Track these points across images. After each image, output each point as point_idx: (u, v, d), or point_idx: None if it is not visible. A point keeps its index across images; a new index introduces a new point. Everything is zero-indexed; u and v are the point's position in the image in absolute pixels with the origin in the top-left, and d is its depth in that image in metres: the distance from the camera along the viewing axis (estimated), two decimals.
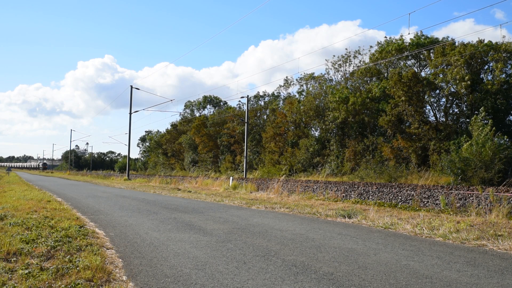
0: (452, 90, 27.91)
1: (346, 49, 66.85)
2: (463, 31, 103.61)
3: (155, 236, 6.87)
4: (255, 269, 4.77)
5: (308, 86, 43.51)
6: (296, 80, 46.91)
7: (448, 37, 31.95)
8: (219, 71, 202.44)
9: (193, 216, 9.66)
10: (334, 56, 48.59)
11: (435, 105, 31.18)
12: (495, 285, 4.26)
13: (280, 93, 50.99)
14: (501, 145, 19.88)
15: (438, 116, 30.94)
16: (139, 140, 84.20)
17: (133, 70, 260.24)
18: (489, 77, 27.87)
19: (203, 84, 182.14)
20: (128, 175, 38.32)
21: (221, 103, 63.84)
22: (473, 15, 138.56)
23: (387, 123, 29.55)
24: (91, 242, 6.05)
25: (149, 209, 11.12)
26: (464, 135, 23.26)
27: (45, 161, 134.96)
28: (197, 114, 64.60)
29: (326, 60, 76.81)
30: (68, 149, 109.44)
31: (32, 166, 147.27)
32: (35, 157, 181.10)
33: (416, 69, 32.69)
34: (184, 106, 66.80)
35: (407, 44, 31.90)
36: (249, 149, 42.48)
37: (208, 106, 65.68)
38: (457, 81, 26.65)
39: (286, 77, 58.57)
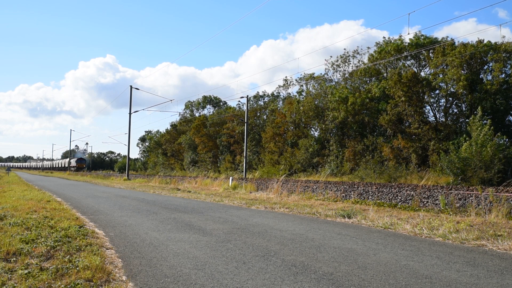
0: (452, 90, 27.92)
1: (344, 49, 66.82)
2: (466, 30, 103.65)
3: (155, 236, 6.87)
4: (254, 269, 4.77)
5: (308, 86, 43.52)
6: (296, 80, 46.93)
7: (448, 37, 31.96)
8: (221, 71, 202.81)
9: (192, 216, 9.66)
10: (331, 56, 48.60)
11: (435, 105, 31.21)
12: (495, 285, 4.26)
13: (280, 93, 51.03)
14: (501, 145, 19.87)
15: (437, 116, 30.96)
16: (139, 140, 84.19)
17: (135, 70, 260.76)
18: (489, 77, 27.87)
19: (205, 84, 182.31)
20: (127, 175, 38.30)
21: (221, 103, 63.88)
22: (475, 14, 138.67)
23: (387, 122, 29.55)
24: (90, 242, 6.05)
25: (148, 209, 11.12)
26: (464, 135, 23.26)
27: (82, 157, 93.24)
28: (197, 114, 64.60)
29: (325, 60, 76.80)
30: (68, 149, 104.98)
31: (54, 166, 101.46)
32: (34, 157, 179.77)
33: (415, 69, 32.69)
34: (184, 106, 66.88)
35: (406, 44, 31.89)
36: (249, 149, 42.47)
37: (207, 106, 65.72)
38: (455, 82, 26.66)
39: (286, 77, 58.53)
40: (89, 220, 8.71)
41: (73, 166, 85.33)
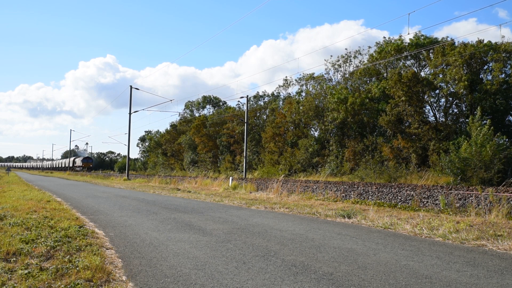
0: (452, 90, 27.92)
1: (346, 49, 66.81)
2: (466, 30, 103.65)
3: (155, 236, 6.87)
4: (254, 269, 4.77)
5: (308, 86, 43.52)
6: (296, 80, 46.92)
7: (448, 37, 31.96)
8: (221, 71, 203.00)
9: (192, 216, 9.66)
10: (331, 56, 48.72)
11: (435, 105, 31.21)
12: (495, 285, 4.26)
13: (280, 93, 51.02)
14: (501, 145, 19.86)
15: (437, 116, 30.96)
16: (138, 140, 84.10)
17: (135, 70, 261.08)
18: (489, 77, 27.87)
19: (205, 84, 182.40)
20: (127, 175, 38.30)
21: (221, 103, 63.88)
22: (475, 14, 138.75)
23: (387, 123, 29.55)
24: (90, 242, 6.05)
25: (148, 209, 11.12)
26: (463, 136, 23.24)
27: (88, 156, 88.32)
28: (197, 114, 64.61)
29: (325, 60, 76.83)
30: (68, 149, 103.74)
31: (54, 166, 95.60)
32: (34, 157, 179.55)
33: (415, 69, 32.68)
34: (184, 106, 66.88)
35: (406, 44, 31.90)
36: (249, 149, 42.46)
37: (207, 106, 65.71)
38: (456, 82, 26.66)
39: (286, 77, 58.50)
40: (89, 220, 8.71)
41: (79, 166, 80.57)
